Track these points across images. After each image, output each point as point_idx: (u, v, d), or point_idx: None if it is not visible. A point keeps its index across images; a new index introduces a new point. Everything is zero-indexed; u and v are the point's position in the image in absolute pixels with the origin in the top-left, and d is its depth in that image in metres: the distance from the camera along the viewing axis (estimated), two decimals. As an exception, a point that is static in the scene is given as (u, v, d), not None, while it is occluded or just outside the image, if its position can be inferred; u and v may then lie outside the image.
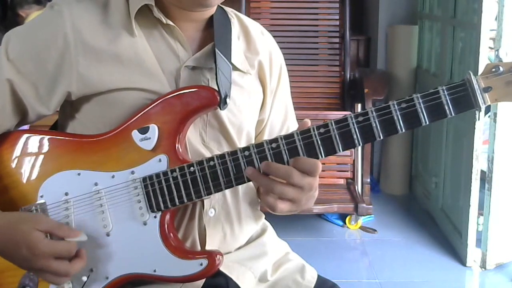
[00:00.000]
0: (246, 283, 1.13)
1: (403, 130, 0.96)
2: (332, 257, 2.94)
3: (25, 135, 1.09)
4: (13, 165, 1.08)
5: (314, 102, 3.44)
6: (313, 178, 0.99)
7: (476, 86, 0.95)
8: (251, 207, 1.20)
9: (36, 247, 0.96)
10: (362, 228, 3.24)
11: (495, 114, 2.65)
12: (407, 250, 3.02)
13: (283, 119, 1.25)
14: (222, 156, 1.00)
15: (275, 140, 0.99)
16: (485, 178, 2.74)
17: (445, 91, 0.95)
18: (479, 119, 2.69)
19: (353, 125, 0.97)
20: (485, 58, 2.60)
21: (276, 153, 0.98)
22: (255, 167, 0.99)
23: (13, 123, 1.09)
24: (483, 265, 2.79)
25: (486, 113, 2.79)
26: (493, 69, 0.96)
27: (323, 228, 3.27)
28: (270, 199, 0.99)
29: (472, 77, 0.95)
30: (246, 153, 0.99)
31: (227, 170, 1.00)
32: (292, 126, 1.25)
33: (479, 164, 2.75)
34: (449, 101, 0.95)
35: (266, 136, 1.22)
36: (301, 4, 3.55)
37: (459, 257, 2.88)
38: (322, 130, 0.98)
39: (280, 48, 1.26)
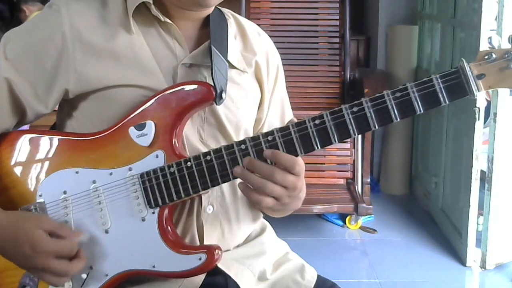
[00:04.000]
0: (245, 281, 1.13)
1: (398, 119, 0.97)
2: (332, 257, 2.94)
3: (24, 135, 1.09)
4: (12, 164, 1.08)
5: (314, 102, 3.43)
6: (296, 177, 1.00)
7: (469, 74, 0.95)
8: (249, 205, 1.19)
9: (39, 245, 0.96)
10: (362, 228, 3.23)
11: (495, 114, 2.65)
12: (407, 250, 3.02)
13: (280, 115, 1.25)
14: (218, 150, 1.00)
15: (270, 132, 0.99)
16: (485, 178, 2.73)
17: (438, 79, 0.95)
18: (479, 119, 2.69)
19: (348, 115, 0.97)
20: (485, 58, 2.60)
21: (272, 145, 0.98)
22: None
23: (12, 123, 1.09)
24: (483, 265, 2.78)
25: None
26: (486, 56, 0.96)
27: (323, 228, 3.27)
28: (255, 195, 1.00)
29: (465, 64, 0.95)
30: (243, 146, 0.99)
31: (224, 164, 1.00)
32: (288, 118, 1.24)
33: (479, 164, 2.75)
34: (443, 89, 0.95)
35: None
36: (301, 4, 3.54)
37: (459, 257, 2.88)
38: (317, 122, 0.98)
39: (280, 48, 1.26)
